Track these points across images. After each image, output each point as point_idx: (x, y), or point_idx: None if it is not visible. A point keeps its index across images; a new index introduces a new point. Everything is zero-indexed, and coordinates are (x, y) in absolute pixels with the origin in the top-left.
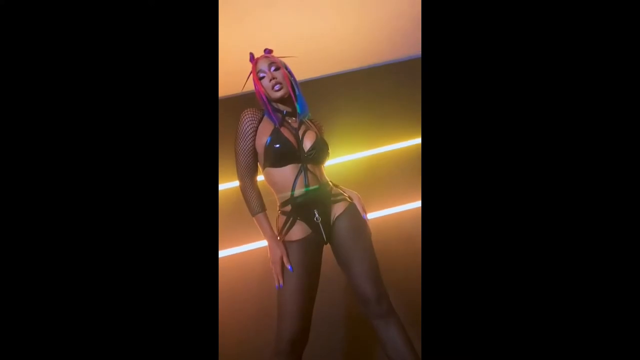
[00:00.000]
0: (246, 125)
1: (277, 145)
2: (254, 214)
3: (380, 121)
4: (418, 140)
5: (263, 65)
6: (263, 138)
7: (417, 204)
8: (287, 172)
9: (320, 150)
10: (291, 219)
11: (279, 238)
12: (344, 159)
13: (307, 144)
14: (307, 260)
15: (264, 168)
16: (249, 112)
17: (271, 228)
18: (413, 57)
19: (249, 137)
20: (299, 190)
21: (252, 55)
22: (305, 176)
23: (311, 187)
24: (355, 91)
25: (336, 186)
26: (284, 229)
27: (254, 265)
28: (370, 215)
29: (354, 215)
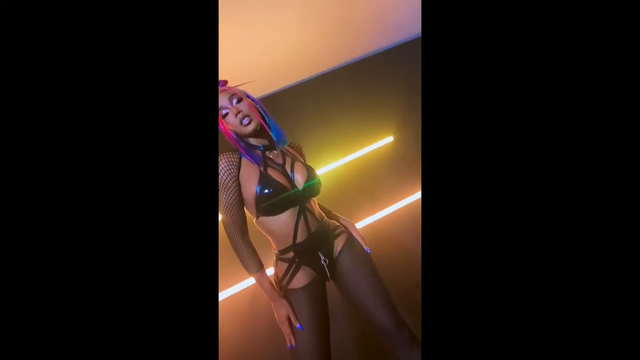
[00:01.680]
0: (225, 177)
1: (268, 191)
2: (250, 273)
3: (353, 125)
4: (391, 139)
5: (223, 101)
6: (250, 186)
7: (404, 202)
8: (285, 219)
9: (313, 183)
10: (294, 266)
11: (280, 287)
12: (326, 168)
13: (299, 179)
14: (316, 307)
15: (256, 217)
16: (224, 159)
17: (272, 286)
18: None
19: (231, 189)
20: (301, 236)
21: None
22: (306, 219)
23: (313, 231)
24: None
25: (327, 213)
26: (287, 278)
27: (256, 304)
28: (362, 223)
29: (355, 248)
